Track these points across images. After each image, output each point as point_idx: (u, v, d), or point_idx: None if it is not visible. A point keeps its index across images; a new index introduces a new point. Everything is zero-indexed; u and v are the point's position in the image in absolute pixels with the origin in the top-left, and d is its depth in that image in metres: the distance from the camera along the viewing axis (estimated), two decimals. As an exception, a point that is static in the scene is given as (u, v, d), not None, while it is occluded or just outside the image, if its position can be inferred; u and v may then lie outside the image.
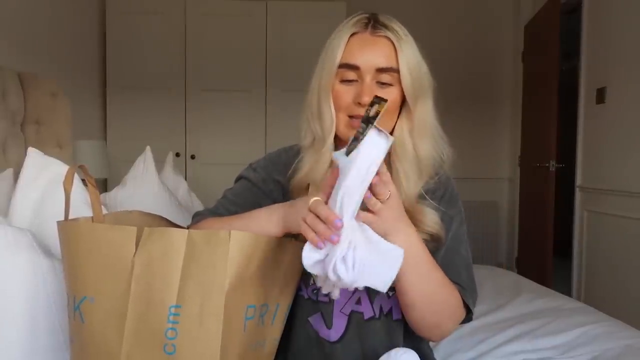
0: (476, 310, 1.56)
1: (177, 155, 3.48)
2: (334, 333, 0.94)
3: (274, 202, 0.95)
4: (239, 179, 1.05)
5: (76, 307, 0.76)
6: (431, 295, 0.86)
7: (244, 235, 0.75)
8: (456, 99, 4.05)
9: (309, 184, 0.90)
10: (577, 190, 3.13)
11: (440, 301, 0.88)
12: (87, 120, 3.25)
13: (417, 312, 0.88)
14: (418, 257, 0.82)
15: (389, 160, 0.91)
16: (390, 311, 0.95)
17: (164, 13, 3.50)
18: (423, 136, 0.91)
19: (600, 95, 2.85)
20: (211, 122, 3.55)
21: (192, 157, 3.55)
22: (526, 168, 3.70)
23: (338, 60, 0.90)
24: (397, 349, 0.83)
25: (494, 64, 4.12)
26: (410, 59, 0.90)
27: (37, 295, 0.95)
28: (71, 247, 0.78)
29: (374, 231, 0.72)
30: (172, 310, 0.72)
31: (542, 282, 2.16)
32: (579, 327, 1.41)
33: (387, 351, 0.87)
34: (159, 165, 1.85)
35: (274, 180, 1.00)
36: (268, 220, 0.85)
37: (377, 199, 0.72)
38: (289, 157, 0.99)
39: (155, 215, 0.97)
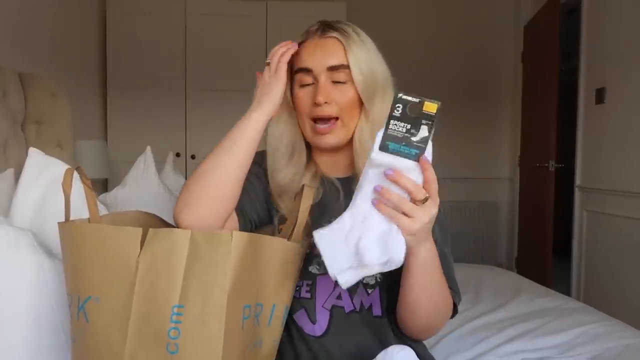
0: (476, 310, 1.58)
1: (177, 155, 3.48)
2: (318, 328, 0.96)
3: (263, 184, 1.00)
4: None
5: (81, 307, 0.76)
6: (437, 301, 0.88)
7: (244, 236, 0.75)
8: (456, 99, 4.06)
9: (303, 186, 0.91)
10: (576, 190, 3.13)
11: (442, 306, 0.90)
12: (87, 120, 3.25)
13: (419, 313, 0.89)
14: (435, 268, 0.84)
15: (356, 161, 0.95)
16: (370, 307, 0.97)
17: (164, 13, 3.50)
18: None
19: (600, 95, 2.86)
20: (211, 122, 3.55)
21: (192, 157, 3.55)
22: (526, 168, 3.70)
23: (293, 65, 0.96)
24: (394, 346, 0.83)
25: (494, 64, 4.12)
26: (360, 56, 0.93)
27: (39, 295, 0.95)
28: (74, 247, 0.78)
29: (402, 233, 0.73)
30: (175, 310, 0.72)
31: (542, 282, 2.17)
32: (578, 326, 1.41)
33: (374, 346, 0.90)
34: (159, 165, 1.85)
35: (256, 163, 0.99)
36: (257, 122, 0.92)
37: (413, 198, 0.72)
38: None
39: (154, 215, 0.97)
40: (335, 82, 0.93)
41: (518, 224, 3.89)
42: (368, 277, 0.94)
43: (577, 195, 3.12)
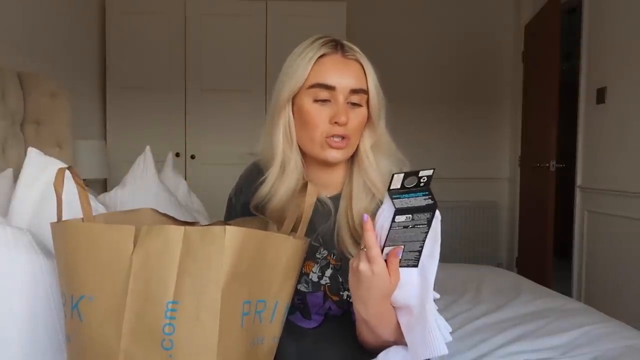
0: (476, 311, 1.57)
1: (177, 155, 3.48)
2: (313, 323, 1.01)
3: None
4: (229, 199, 1.13)
5: (74, 306, 0.76)
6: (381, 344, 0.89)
7: (239, 231, 0.75)
8: (456, 99, 4.06)
9: (306, 182, 0.91)
10: (577, 190, 3.13)
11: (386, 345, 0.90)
12: (87, 120, 3.25)
13: (361, 339, 0.92)
14: (379, 327, 0.86)
15: (351, 174, 0.99)
16: None
17: (164, 13, 3.49)
18: (382, 151, 0.99)
19: (600, 95, 2.85)
20: (211, 122, 3.54)
21: (192, 157, 3.55)
22: (526, 168, 3.70)
23: (307, 78, 0.94)
24: (395, 346, 0.84)
25: (494, 64, 4.12)
26: (375, 80, 0.97)
27: (36, 295, 0.95)
28: (67, 247, 0.78)
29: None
30: (169, 306, 0.73)
31: (542, 282, 2.16)
32: (579, 327, 1.41)
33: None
34: (159, 165, 1.85)
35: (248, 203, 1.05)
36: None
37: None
38: (259, 177, 1.02)
39: (166, 214, 0.98)
40: (350, 104, 0.95)
41: (518, 224, 3.88)
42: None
43: (578, 196, 3.12)
